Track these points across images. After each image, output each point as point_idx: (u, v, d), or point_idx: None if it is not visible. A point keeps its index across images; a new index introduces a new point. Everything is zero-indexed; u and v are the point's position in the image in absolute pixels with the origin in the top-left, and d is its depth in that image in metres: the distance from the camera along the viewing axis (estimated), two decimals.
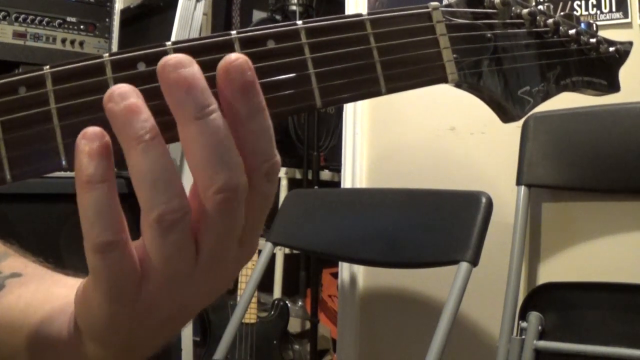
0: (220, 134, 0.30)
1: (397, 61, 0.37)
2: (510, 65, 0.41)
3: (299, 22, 0.35)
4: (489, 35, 0.41)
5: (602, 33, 0.48)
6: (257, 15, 2.71)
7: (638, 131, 1.24)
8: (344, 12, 1.61)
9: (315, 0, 2.37)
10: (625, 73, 0.50)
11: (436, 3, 0.39)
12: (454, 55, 0.38)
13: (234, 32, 0.34)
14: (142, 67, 0.33)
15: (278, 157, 0.32)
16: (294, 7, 2.33)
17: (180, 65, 0.30)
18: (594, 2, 1.36)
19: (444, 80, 0.39)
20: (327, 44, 0.35)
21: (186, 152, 0.31)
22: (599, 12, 1.36)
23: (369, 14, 0.36)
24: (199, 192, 0.31)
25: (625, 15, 1.33)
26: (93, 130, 0.30)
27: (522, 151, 1.34)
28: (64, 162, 0.32)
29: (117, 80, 0.32)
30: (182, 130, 0.31)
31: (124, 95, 0.30)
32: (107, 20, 1.63)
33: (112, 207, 0.30)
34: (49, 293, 0.43)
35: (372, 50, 0.36)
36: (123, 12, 1.74)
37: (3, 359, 0.44)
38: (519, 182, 1.34)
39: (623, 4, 1.33)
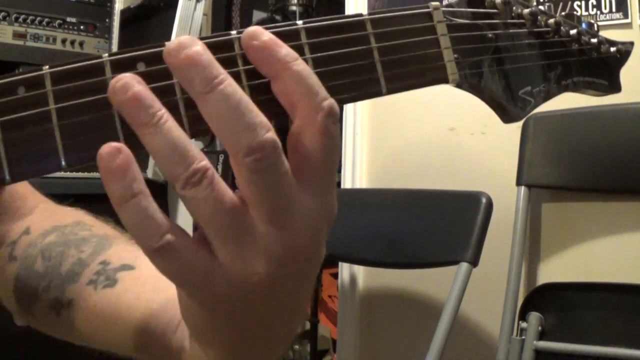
0: (233, 100, 0.31)
1: (398, 61, 0.36)
2: (511, 66, 0.41)
3: (299, 22, 0.35)
4: (490, 35, 0.40)
5: (602, 33, 0.48)
6: (257, 15, 2.71)
7: (638, 131, 1.24)
8: (344, 13, 1.61)
9: (315, 1, 2.37)
10: (625, 73, 0.50)
11: (437, 3, 0.39)
12: (455, 56, 0.38)
13: (234, 32, 0.34)
14: (141, 67, 0.32)
15: (333, 100, 0.33)
16: (294, 8, 2.32)
17: (183, 47, 0.31)
18: (594, 3, 1.36)
19: (444, 80, 0.38)
20: (327, 44, 0.35)
21: (211, 126, 0.32)
22: (599, 12, 1.36)
23: (369, 14, 0.36)
24: (233, 165, 0.32)
25: (625, 16, 1.33)
26: (107, 149, 0.31)
27: (522, 151, 1.34)
28: (63, 163, 0.32)
29: None
30: (200, 106, 0.32)
31: (126, 87, 0.31)
32: (107, 20, 1.63)
33: (149, 216, 0.31)
34: (169, 296, 0.42)
35: (372, 50, 0.36)
36: (123, 12, 1.74)
37: (112, 344, 0.44)
38: (519, 182, 1.34)
39: (623, 4, 1.33)
